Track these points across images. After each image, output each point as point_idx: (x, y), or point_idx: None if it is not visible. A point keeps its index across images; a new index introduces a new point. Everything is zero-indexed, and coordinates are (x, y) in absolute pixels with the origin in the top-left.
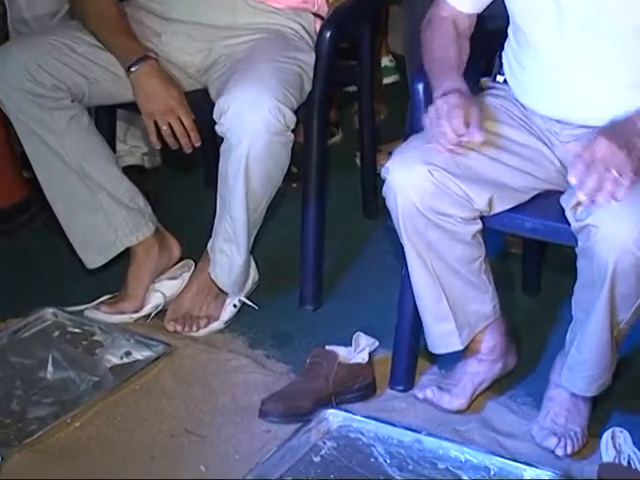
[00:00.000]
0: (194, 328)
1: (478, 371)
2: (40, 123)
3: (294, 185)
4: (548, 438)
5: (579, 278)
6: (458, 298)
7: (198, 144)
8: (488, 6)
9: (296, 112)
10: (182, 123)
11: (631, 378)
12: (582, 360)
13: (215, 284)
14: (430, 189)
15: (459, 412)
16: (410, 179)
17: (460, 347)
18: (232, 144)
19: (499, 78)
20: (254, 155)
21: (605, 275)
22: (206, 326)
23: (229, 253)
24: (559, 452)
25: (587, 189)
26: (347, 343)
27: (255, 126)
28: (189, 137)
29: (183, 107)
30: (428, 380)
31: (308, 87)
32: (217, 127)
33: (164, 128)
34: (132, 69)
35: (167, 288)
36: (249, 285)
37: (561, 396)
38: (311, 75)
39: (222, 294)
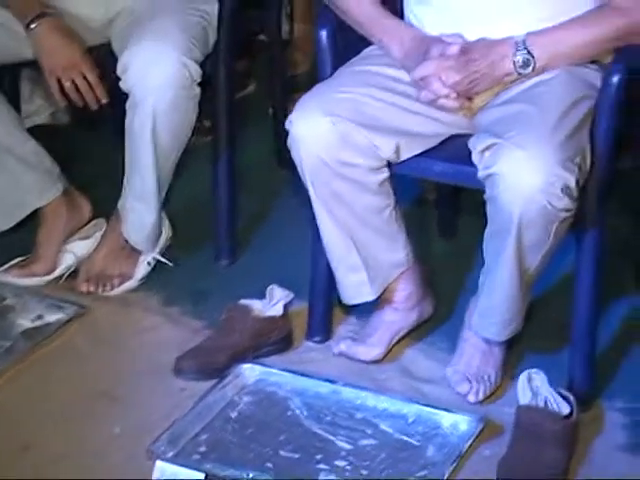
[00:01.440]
0: (107, 287)
1: (394, 320)
2: None
3: (208, 138)
4: (461, 383)
5: (489, 225)
6: (369, 248)
7: (105, 100)
8: None
9: (202, 64)
10: (86, 79)
11: (544, 319)
12: (492, 306)
13: (127, 242)
14: (334, 141)
15: (376, 362)
16: (313, 131)
17: (373, 297)
18: (137, 100)
19: None
20: (160, 111)
21: (511, 224)
22: (120, 285)
23: (139, 211)
24: (471, 399)
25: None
26: (263, 296)
27: (160, 81)
28: (94, 93)
29: (86, 62)
30: (345, 330)
31: (213, 38)
32: (121, 83)
33: (67, 84)
34: (31, 26)
35: (79, 248)
36: (162, 241)
37: (474, 338)
38: (215, 25)
39: (135, 252)
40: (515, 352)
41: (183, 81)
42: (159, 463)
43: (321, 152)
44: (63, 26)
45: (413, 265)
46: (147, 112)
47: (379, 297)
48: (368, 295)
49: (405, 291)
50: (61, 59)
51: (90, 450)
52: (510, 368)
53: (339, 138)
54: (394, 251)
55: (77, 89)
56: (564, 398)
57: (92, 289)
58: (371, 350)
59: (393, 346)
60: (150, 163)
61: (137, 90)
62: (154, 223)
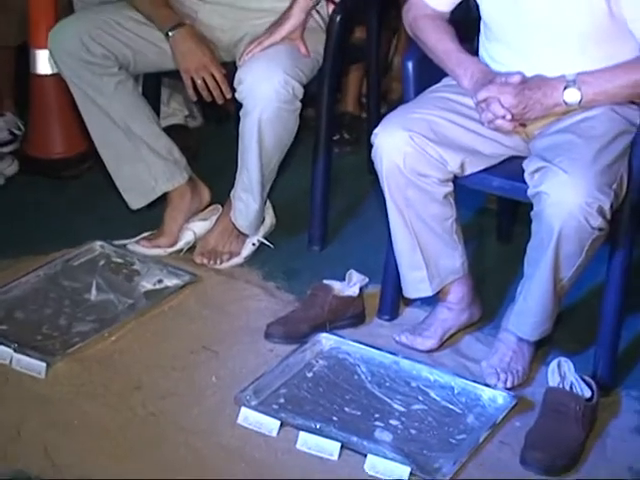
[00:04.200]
0: (218, 262)
1: (447, 317)
2: (91, 86)
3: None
4: (491, 376)
5: (532, 239)
6: (431, 251)
7: (229, 96)
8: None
9: (308, 85)
10: (214, 78)
11: (572, 326)
12: (528, 308)
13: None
14: (411, 152)
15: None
16: (393, 143)
17: (430, 293)
18: (248, 109)
19: None
20: (265, 119)
21: (551, 237)
22: (228, 260)
23: (246, 200)
24: (499, 385)
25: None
26: (343, 279)
27: (266, 95)
28: (220, 90)
29: (215, 64)
30: (410, 312)
31: (318, 64)
32: (236, 94)
33: (199, 82)
34: (170, 34)
35: (198, 227)
36: (267, 227)
37: (509, 339)
38: (322, 53)
39: (243, 234)
40: (544, 353)
41: (286, 96)
42: (244, 409)
43: (399, 161)
44: (196, 33)
45: (467, 274)
46: (254, 120)
47: (436, 295)
48: (426, 291)
49: (458, 294)
50: (194, 60)
51: (190, 393)
52: (538, 364)
53: (415, 150)
54: (452, 258)
55: (207, 86)
56: (587, 384)
57: (205, 262)
58: (426, 341)
59: (446, 340)
60: (255, 162)
61: (248, 101)
62: (257, 212)
